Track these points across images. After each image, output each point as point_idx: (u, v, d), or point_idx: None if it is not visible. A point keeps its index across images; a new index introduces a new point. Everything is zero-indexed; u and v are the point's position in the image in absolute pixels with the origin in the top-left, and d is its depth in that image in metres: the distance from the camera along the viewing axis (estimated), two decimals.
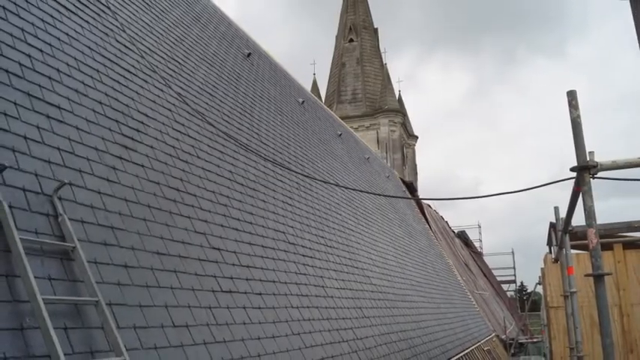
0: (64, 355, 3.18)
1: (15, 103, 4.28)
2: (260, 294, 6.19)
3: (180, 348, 4.38)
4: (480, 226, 48.89)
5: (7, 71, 4.41)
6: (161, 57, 7.80)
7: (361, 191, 15.07)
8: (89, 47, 5.95)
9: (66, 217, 3.99)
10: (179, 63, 8.32)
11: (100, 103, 5.49)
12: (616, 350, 7.00)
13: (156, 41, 8.00)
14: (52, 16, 5.60)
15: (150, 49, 7.57)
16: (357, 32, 46.09)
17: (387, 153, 40.07)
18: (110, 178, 4.89)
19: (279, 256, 7.32)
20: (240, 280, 5.99)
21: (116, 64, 6.33)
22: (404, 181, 30.77)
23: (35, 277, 3.34)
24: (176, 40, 8.88)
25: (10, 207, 3.61)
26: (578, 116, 4.87)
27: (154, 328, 4.24)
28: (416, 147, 47.16)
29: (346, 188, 13.27)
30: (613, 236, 9.79)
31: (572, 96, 4.91)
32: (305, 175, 10.60)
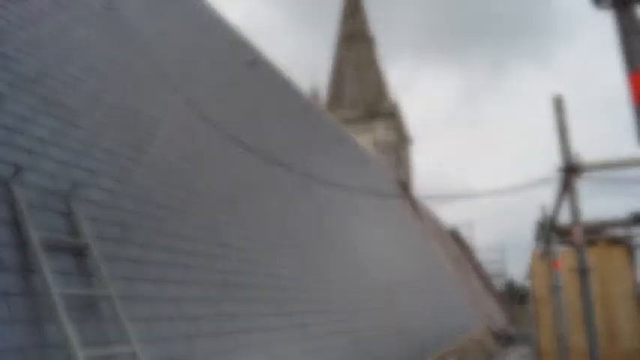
0: (78, 345, 3.16)
1: (32, 108, 4.27)
2: (264, 288, 6.17)
3: (188, 339, 4.37)
4: (470, 224, 48.86)
5: (24, 76, 4.40)
6: (169, 62, 7.78)
7: (360, 191, 15.06)
8: (103, 54, 5.93)
9: (80, 215, 3.98)
10: (186, 68, 8.29)
11: (114, 107, 5.48)
12: (599, 340, 6.97)
13: (164, 48, 7.97)
14: (67, 24, 5.58)
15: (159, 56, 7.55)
16: (355, 40, 46.14)
17: (383, 155, 40.08)
18: (123, 179, 4.87)
19: (282, 252, 7.30)
20: (246, 274, 5.97)
21: (129, 70, 6.31)
22: (399, 182, 30.75)
23: (51, 272, 3.33)
24: (183, 47, 8.85)
25: (28, 206, 3.60)
26: (565, 120, 4.86)
27: (163, 321, 4.22)
28: (411, 149, 47.17)
29: (345, 189, 13.25)
30: (597, 233, 9.78)
31: (558, 101, 4.90)
32: (309, 176, 10.58)
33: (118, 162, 4.98)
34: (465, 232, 46.02)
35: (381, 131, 41.43)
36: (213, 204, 6.31)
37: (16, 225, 3.46)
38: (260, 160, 8.77)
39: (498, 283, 48.87)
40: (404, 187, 30.74)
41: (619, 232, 9.76)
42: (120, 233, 4.38)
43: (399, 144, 43.79)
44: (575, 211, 4.74)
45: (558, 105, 4.90)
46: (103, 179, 4.60)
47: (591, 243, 9.65)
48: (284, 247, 7.51)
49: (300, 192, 9.87)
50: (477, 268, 42.07)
